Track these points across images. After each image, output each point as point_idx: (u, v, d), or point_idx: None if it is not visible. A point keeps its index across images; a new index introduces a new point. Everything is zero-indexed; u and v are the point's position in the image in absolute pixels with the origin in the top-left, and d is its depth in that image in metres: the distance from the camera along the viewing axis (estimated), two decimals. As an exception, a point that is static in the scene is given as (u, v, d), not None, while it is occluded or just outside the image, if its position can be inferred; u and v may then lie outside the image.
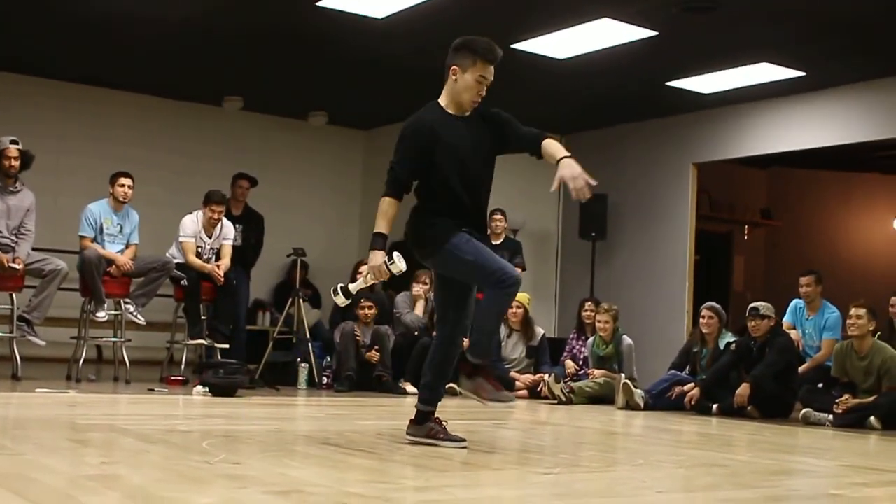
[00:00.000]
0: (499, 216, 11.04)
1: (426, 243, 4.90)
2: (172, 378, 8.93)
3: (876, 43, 9.01)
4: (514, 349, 10.06)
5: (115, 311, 8.95)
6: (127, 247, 9.04)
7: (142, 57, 10.48)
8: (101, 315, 8.74)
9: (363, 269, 4.89)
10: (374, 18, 8.74)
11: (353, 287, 4.97)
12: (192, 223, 9.28)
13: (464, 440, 4.88)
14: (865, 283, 13.20)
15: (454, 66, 4.84)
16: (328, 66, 10.50)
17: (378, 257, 4.79)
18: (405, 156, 4.85)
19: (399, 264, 4.81)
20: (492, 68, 4.82)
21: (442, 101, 4.94)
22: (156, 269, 8.95)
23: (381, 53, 9.87)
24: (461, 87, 4.83)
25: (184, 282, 9.11)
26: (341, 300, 4.97)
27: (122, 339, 9.00)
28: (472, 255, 4.75)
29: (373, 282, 4.94)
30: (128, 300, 8.91)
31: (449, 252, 4.78)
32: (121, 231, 9.03)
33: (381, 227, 4.79)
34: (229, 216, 9.67)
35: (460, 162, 4.82)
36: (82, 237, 8.87)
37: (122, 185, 8.98)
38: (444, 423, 4.96)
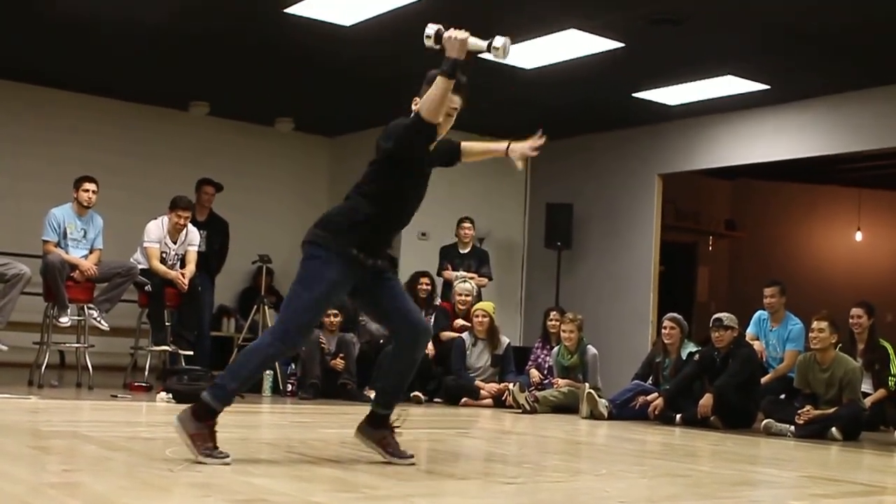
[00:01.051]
0: (468, 224, 11.06)
1: (331, 228, 4.54)
2: (136, 384, 8.87)
3: (839, 57, 9.10)
4: (479, 358, 10.06)
5: (79, 316, 8.88)
6: (91, 252, 8.98)
7: (108, 60, 10.43)
8: (65, 320, 8.66)
9: (465, 49, 4.35)
10: (341, 26, 8.74)
11: (481, 47, 4.44)
12: (156, 228, 9.23)
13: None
14: (828, 295, 13.32)
15: (416, 99, 4.67)
16: (295, 72, 10.49)
17: (447, 44, 4.39)
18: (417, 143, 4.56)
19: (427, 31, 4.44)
20: (458, 98, 4.58)
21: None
22: (120, 274, 8.89)
23: (348, 61, 9.87)
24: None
25: (148, 287, 9.06)
26: (430, 42, 4.44)
27: (86, 345, 8.93)
28: (308, 294, 4.46)
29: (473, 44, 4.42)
30: (91, 305, 8.85)
31: (311, 264, 4.52)
32: (84, 236, 8.96)
33: (436, 84, 4.38)
34: (194, 222, 9.62)
35: (417, 195, 4.68)
36: (46, 241, 8.79)
37: (87, 191, 8.91)
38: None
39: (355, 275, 4.52)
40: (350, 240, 4.49)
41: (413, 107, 4.62)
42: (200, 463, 4.19)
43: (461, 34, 4.39)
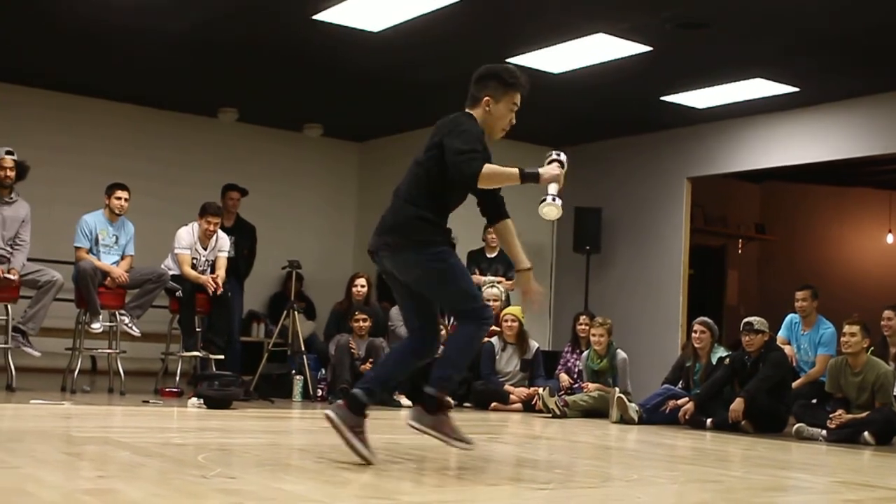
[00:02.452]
0: (494, 230, 11.04)
1: (429, 232, 4.67)
2: (167, 390, 8.92)
3: (868, 59, 9.06)
4: (508, 362, 10.06)
5: (110, 322, 8.94)
6: (122, 258, 9.04)
7: (137, 68, 10.50)
8: (97, 326, 8.73)
9: (551, 183, 4.56)
10: (369, 32, 8.77)
11: (552, 192, 4.62)
12: (187, 235, 9.29)
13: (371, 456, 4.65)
14: (859, 298, 13.23)
15: (487, 97, 4.72)
16: (323, 78, 10.53)
17: (550, 167, 4.61)
18: (480, 142, 4.60)
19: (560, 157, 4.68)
20: (519, 95, 4.75)
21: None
22: (151, 280, 8.95)
23: (376, 66, 9.90)
24: (496, 117, 4.74)
25: (179, 293, 9.12)
26: (557, 207, 4.62)
27: (117, 351, 8.99)
28: (467, 283, 4.71)
29: (559, 183, 4.64)
30: (123, 311, 8.91)
31: (446, 263, 4.65)
32: (116, 242, 9.03)
33: (512, 169, 4.51)
34: (221, 227, 9.67)
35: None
36: (78, 248, 8.87)
37: (119, 198, 8.98)
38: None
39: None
40: (441, 228, 4.74)
41: (484, 107, 4.72)
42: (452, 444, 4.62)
43: (560, 175, 4.64)
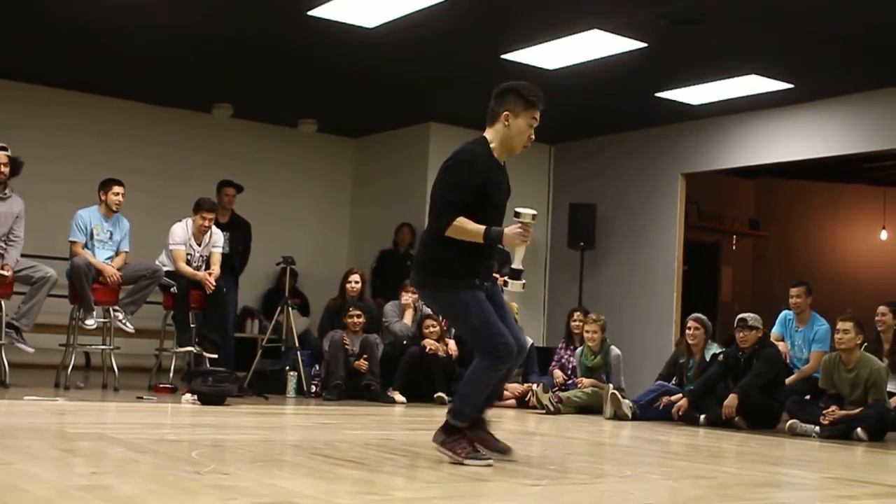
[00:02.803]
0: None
1: (444, 274, 4.83)
2: (161, 386, 8.91)
3: (863, 56, 9.07)
4: (502, 358, 10.05)
5: (104, 318, 8.93)
6: (117, 254, 9.03)
7: (132, 64, 10.49)
8: (90, 322, 8.72)
9: (515, 245, 4.73)
10: (364, 28, 8.76)
11: (516, 265, 4.81)
12: (181, 231, 9.28)
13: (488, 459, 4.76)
14: (853, 294, 13.25)
15: (506, 112, 4.83)
16: (318, 74, 10.52)
17: (512, 227, 4.72)
18: (460, 190, 4.76)
19: (525, 212, 4.75)
20: (538, 112, 4.89)
21: (490, 140, 4.89)
22: (145, 276, 8.94)
23: (371, 62, 9.89)
24: (514, 132, 4.84)
25: (173, 289, 9.11)
26: (519, 285, 4.80)
27: (111, 347, 8.99)
28: (480, 319, 4.77)
29: (525, 244, 4.75)
30: (117, 307, 8.90)
31: (459, 302, 4.81)
32: (111, 238, 9.02)
33: (475, 226, 4.69)
34: (216, 223, 9.65)
35: (495, 207, 4.88)
36: (73, 242, 8.85)
37: (116, 194, 8.98)
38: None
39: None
40: (465, 273, 4.82)
41: (503, 122, 4.86)
42: (462, 464, 4.62)
43: (522, 234, 4.74)
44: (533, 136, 4.92)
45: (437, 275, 4.85)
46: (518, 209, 4.75)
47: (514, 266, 4.84)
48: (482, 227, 4.67)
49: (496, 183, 4.85)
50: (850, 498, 4.54)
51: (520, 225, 4.73)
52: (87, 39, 9.64)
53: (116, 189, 8.99)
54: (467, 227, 4.68)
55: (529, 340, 10.24)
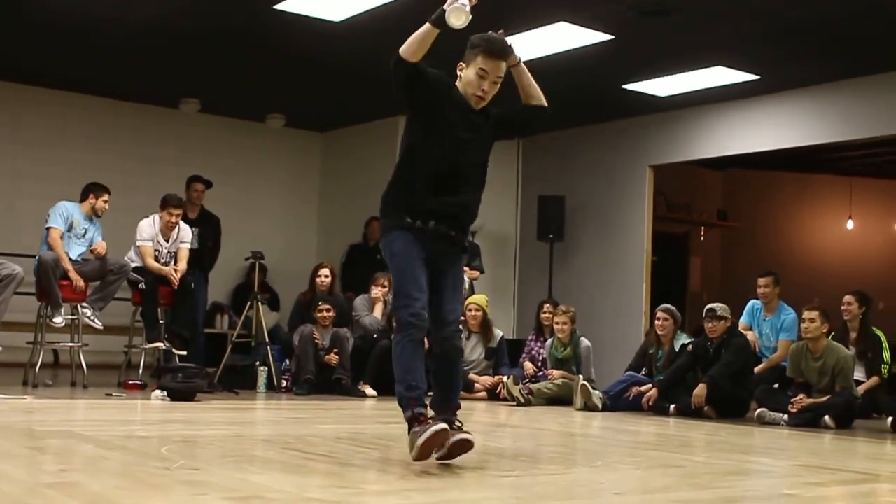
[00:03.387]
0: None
1: (382, 212, 4.67)
2: (130, 383, 8.87)
3: (829, 47, 9.13)
4: (472, 351, 10.08)
5: (73, 315, 8.88)
6: (93, 250, 9.00)
7: (98, 59, 10.43)
8: (59, 320, 8.66)
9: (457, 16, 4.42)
10: (331, 21, 8.74)
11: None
12: (149, 227, 9.24)
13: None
14: (820, 283, 13.37)
15: (460, 63, 4.74)
16: (286, 68, 10.49)
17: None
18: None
19: None
20: (494, 62, 4.66)
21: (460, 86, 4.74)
22: (112, 272, 8.89)
23: (339, 56, 9.88)
24: (465, 82, 4.68)
25: (142, 285, 9.07)
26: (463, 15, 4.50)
27: (80, 344, 8.94)
28: (395, 271, 4.54)
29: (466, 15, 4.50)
30: (84, 304, 8.85)
31: (385, 246, 4.60)
32: (84, 235, 8.98)
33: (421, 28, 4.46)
34: (185, 219, 9.62)
35: (453, 139, 4.60)
36: (52, 228, 8.75)
37: (106, 202, 9.01)
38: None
39: (421, 244, 4.53)
40: (399, 208, 4.58)
41: (458, 71, 4.72)
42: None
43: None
44: (486, 88, 4.66)
45: (383, 214, 4.66)
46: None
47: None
48: (423, 26, 4.44)
49: (450, 107, 4.61)
50: (818, 485, 4.58)
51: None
52: (52, 34, 9.57)
53: (107, 196, 9.01)
54: (413, 36, 4.46)
55: (499, 333, 10.35)
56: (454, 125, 4.62)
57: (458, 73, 4.72)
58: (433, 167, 4.57)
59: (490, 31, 4.79)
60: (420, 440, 4.24)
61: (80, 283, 8.75)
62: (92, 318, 8.84)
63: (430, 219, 4.55)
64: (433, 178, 4.57)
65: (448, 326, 4.63)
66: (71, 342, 8.99)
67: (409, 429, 4.37)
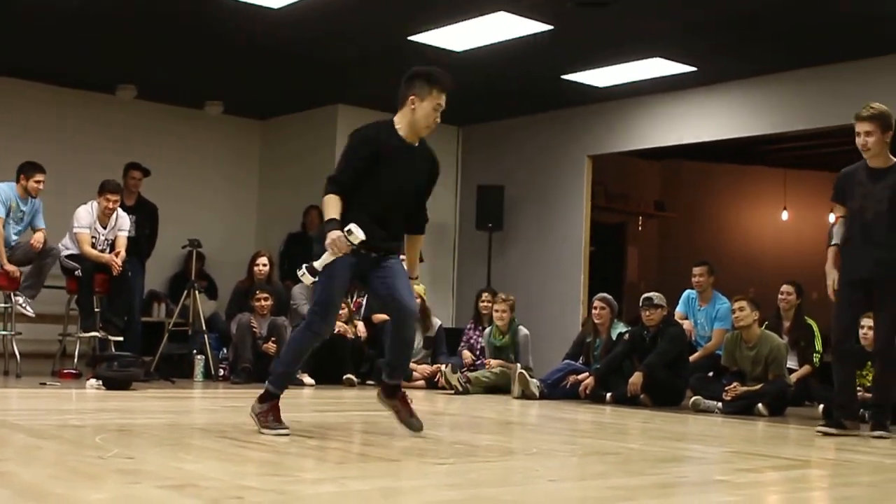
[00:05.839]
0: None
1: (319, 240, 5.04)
2: (65, 371, 8.79)
3: (764, 40, 9.24)
4: (411, 340, 10.07)
5: (5, 303, 8.77)
6: (34, 230, 8.90)
7: (32, 43, 10.26)
8: None
9: (329, 249, 4.84)
10: (270, 8, 8.68)
11: (318, 264, 4.88)
12: (86, 214, 9.13)
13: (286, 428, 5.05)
14: (756, 273, 13.55)
15: (412, 96, 5.06)
16: (224, 54, 10.40)
17: (335, 232, 4.81)
18: (349, 165, 5.04)
19: (357, 234, 4.82)
20: (444, 96, 5.09)
21: (397, 124, 5.13)
22: (40, 254, 8.80)
23: (277, 43, 9.81)
24: (420, 115, 5.07)
25: (77, 273, 8.97)
26: (309, 279, 4.91)
27: (12, 332, 8.82)
28: (322, 278, 4.97)
29: (336, 255, 4.85)
30: (17, 293, 8.74)
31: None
32: (22, 219, 8.90)
33: (332, 213, 4.90)
34: (123, 207, 9.52)
35: (398, 187, 5.10)
36: None
37: (38, 182, 8.90)
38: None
39: (354, 264, 5.07)
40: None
41: (409, 105, 5.08)
42: (261, 434, 4.96)
43: (335, 243, 4.84)
44: (438, 119, 5.11)
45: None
46: (351, 227, 4.83)
47: (315, 263, 4.89)
48: (333, 215, 4.87)
49: (394, 161, 5.04)
50: (750, 471, 4.65)
51: (341, 236, 4.80)
52: (-16, 18, 9.41)
53: (39, 177, 8.90)
54: (327, 207, 4.92)
55: (438, 322, 10.38)
56: (399, 170, 5.12)
57: (412, 106, 5.06)
58: (379, 209, 5.13)
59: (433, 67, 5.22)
60: (266, 431, 5.04)
61: (17, 272, 8.65)
62: (24, 305, 8.73)
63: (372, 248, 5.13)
64: (379, 217, 5.13)
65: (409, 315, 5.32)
66: (4, 330, 8.87)
67: (263, 403, 5.17)
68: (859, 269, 6.50)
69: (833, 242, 6.71)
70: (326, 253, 4.85)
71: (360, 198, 5.01)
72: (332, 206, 4.90)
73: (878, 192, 6.45)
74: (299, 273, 4.92)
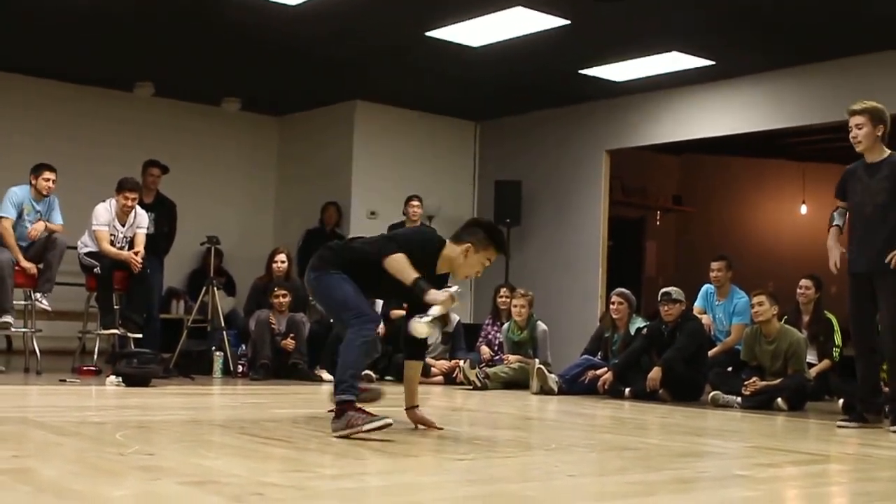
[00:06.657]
0: (416, 202, 11.12)
1: (316, 266, 5.19)
2: (85, 368, 8.81)
3: (783, 32, 9.20)
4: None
5: (25, 301, 8.80)
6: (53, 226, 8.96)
7: (50, 42, 10.31)
8: (8, 319, 8.57)
9: (434, 306, 4.81)
10: (286, 5, 8.69)
11: (429, 319, 4.86)
12: (105, 211, 9.15)
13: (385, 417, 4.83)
14: (774, 267, 13.50)
15: (469, 245, 5.15)
16: (241, 51, 10.43)
17: (445, 293, 4.84)
18: (412, 246, 5.08)
19: (456, 290, 4.90)
20: (497, 255, 5.24)
21: (447, 252, 5.20)
22: (47, 248, 8.82)
23: (294, 40, 9.83)
24: (468, 264, 5.17)
25: (97, 270, 9.00)
26: (426, 330, 4.91)
27: (33, 329, 8.85)
28: (341, 293, 5.07)
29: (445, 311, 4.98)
30: (36, 290, 8.78)
31: (325, 282, 5.13)
32: (39, 218, 8.92)
33: (414, 272, 4.89)
34: (141, 204, 9.54)
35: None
36: (3, 218, 8.68)
37: (47, 180, 8.90)
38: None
39: None
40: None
41: (463, 251, 5.16)
42: (366, 433, 4.69)
43: (445, 302, 4.85)
44: (480, 273, 5.28)
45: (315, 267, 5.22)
46: (453, 287, 4.91)
47: (425, 319, 4.85)
48: (415, 274, 4.87)
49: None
50: (770, 466, 4.63)
51: (449, 294, 4.83)
52: (4, 17, 9.44)
53: (47, 175, 8.90)
54: (405, 267, 4.90)
55: (456, 318, 10.37)
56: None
57: (465, 253, 5.13)
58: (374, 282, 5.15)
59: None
60: (368, 426, 4.74)
61: (33, 269, 8.68)
62: (41, 299, 8.76)
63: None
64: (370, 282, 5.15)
65: None
66: (24, 328, 8.91)
67: (343, 415, 4.81)
68: (861, 263, 6.65)
69: (834, 223, 6.92)
70: (436, 307, 4.84)
71: (365, 265, 5.11)
72: (409, 265, 4.91)
73: (875, 185, 6.57)
74: (417, 328, 4.89)
